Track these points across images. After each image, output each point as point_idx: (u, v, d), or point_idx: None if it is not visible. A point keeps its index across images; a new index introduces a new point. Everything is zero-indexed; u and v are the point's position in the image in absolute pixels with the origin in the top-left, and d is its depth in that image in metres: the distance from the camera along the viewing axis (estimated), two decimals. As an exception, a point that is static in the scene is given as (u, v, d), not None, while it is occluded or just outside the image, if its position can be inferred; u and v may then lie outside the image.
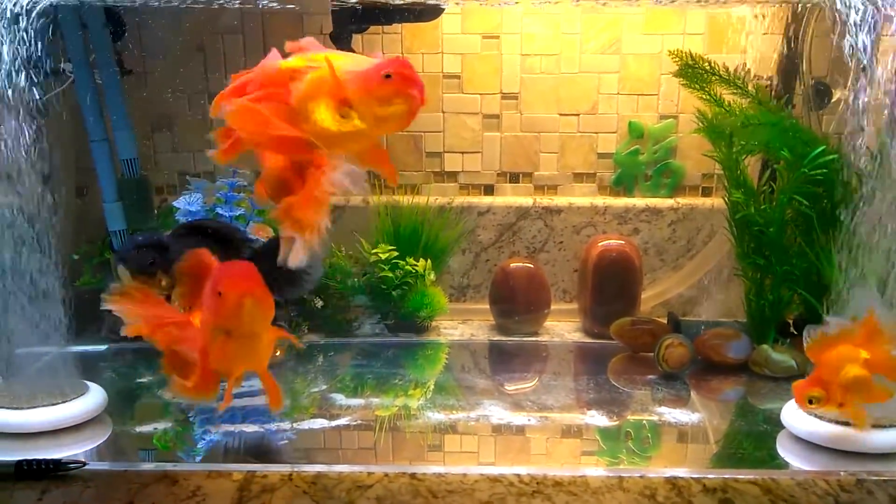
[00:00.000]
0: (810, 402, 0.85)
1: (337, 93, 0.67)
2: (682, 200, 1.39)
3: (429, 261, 1.31)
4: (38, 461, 0.79)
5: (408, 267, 1.29)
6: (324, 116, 0.67)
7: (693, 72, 1.18)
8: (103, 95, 1.22)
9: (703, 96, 1.19)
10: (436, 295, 1.31)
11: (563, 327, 1.36)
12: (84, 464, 0.81)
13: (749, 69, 1.22)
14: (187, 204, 1.16)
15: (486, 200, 1.41)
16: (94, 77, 1.21)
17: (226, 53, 1.37)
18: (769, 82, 1.25)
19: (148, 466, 0.82)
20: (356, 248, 1.34)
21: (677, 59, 1.21)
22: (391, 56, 0.69)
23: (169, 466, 0.81)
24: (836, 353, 0.85)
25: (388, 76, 0.66)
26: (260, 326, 0.74)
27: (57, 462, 0.80)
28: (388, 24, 1.22)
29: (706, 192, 1.41)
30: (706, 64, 1.18)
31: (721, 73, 1.17)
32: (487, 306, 1.36)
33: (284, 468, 0.81)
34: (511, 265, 1.33)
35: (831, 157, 1.06)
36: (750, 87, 1.17)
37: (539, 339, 1.31)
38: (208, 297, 0.74)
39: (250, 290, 0.71)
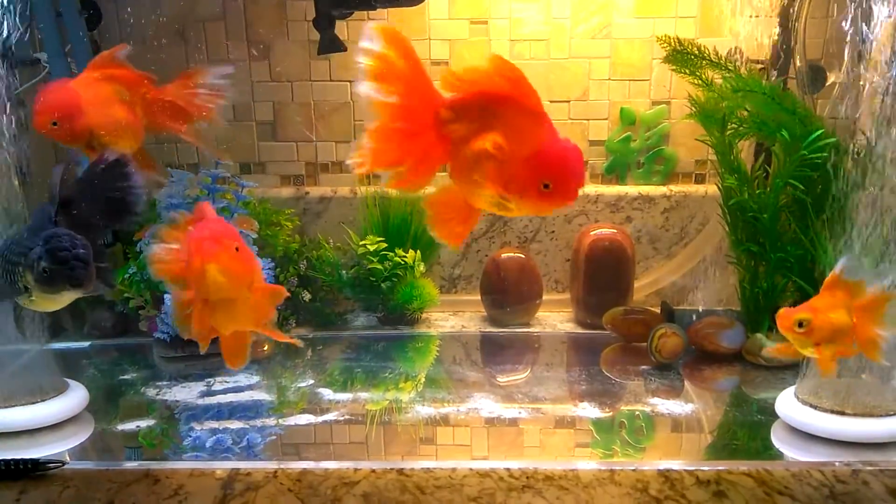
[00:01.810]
0: (800, 325, 0.83)
1: (498, 188, 0.66)
2: (675, 188, 1.37)
3: (418, 252, 1.29)
4: (16, 461, 0.77)
5: (397, 258, 1.27)
6: (481, 202, 0.69)
7: (683, 57, 1.16)
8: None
9: (695, 81, 1.17)
10: (426, 286, 1.30)
11: (555, 318, 1.34)
12: (63, 463, 0.79)
13: (742, 52, 1.19)
14: (169, 196, 1.13)
15: (477, 190, 1.38)
16: (71, 67, 1.17)
17: (207, 40, 1.34)
18: (763, 66, 1.22)
19: (129, 465, 0.80)
20: (344, 239, 1.32)
21: (666, 44, 1.18)
22: (556, 142, 0.64)
23: (150, 465, 0.79)
24: (839, 296, 0.84)
25: (546, 186, 0.63)
26: (233, 291, 0.71)
27: (35, 462, 0.78)
28: (373, 9, 1.19)
29: (699, 180, 1.39)
30: (695, 49, 1.15)
31: (711, 57, 1.14)
32: (478, 298, 1.34)
33: (269, 465, 0.79)
34: (502, 255, 1.31)
35: (830, 140, 1.04)
36: (742, 71, 1.14)
37: (531, 330, 1.30)
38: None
39: (214, 256, 0.68)
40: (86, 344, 1.23)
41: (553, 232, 1.39)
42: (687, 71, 1.17)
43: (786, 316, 0.85)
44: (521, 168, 0.64)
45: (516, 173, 0.64)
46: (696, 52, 1.15)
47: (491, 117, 0.65)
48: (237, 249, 0.71)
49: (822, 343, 0.84)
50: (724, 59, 1.14)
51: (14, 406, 0.90)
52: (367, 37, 0.64)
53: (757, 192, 1.12)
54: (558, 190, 0.63)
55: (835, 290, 0.85)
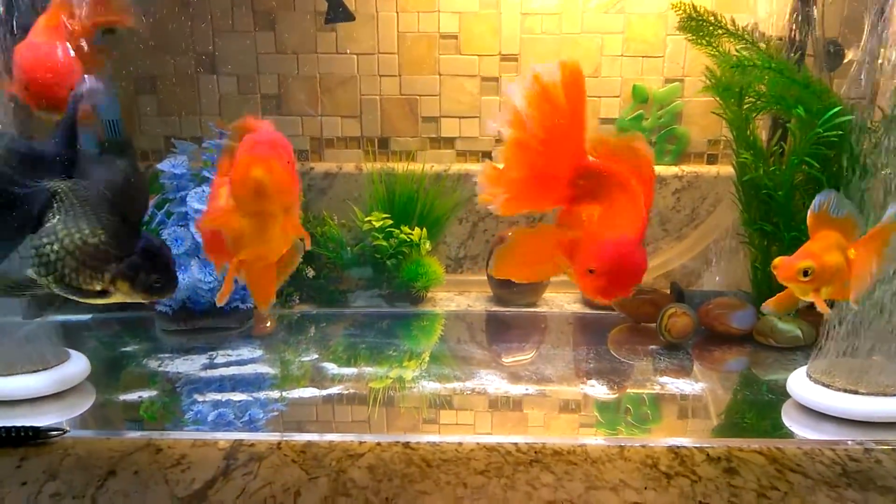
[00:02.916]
0: (805, 273, 0.81)
1: (562, 254, 0.68)
2: (687, 168, 1.35)
3: (424, 230, 1.27)
4: (17, 428, 0.77)
5: (402, 236, 1.25)
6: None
7: (698, 25, 1.12)
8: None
9: (711, 52, 1.14)
10: (431, 265, 1.28)
11: (562, 298, 1.33)
12: (65, 431, 0.78)
13: (759, 27, 1.16)
14: (172, 167, 1.11)
15: (484, 168, 1.36)
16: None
17: (212, 12, 1.31)
18: (780, 41, 1.19)
19: (131, 435, 0.79)
20: (349, 216, 1.30)
21: (681, 11, 1.15)
22: (628, 240, 0.64)
23: (152, 434, 0.79)
24: (831, 236, 0.81)
25: (591, 272, 0.63)
26: (272, 202, 0.66)
27: (36, 429, 0.77)
28: (382, -22, 1.17)
29: (711, 160, 1.37)
30: (711, 17, 1.12)
31: (728, 26, 1.11)
32: (485, 278, 1.32)
33: (273, 436, 0.78)
34: (509, 234, 1.29)
35: (847, 117, 1.01)
36: (761, 44, 1.11)
37: (538, 309, 1.28)
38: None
39: (265, 159, 0.63)
40: (87, 316, 1.22)
41: (561, 211, 1.37)
42: (703, 42, 1.13)
43: (787, 266, 0.82)
44: (582, 245, 0.65)
45: (580, 248, 0.65)
46: (713, 19, 1.12)
47: (603, 190, 0.66)
48: (290, 163, 0.67)
49: (821, 287, 0.81)
50: (742, 29, 1.11)
51: (15, 374, 0.89)
52: (547, 68, 0.65)
53: (772, 168, 1.10)
54: (600, 281, 0.63)
55: (825, 229, 0.81)
